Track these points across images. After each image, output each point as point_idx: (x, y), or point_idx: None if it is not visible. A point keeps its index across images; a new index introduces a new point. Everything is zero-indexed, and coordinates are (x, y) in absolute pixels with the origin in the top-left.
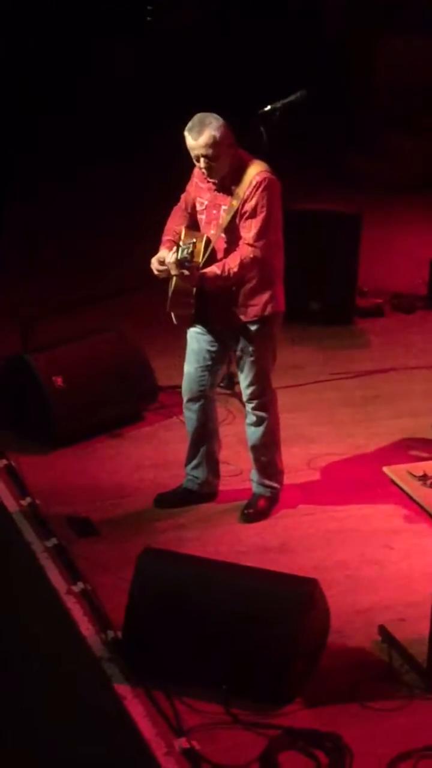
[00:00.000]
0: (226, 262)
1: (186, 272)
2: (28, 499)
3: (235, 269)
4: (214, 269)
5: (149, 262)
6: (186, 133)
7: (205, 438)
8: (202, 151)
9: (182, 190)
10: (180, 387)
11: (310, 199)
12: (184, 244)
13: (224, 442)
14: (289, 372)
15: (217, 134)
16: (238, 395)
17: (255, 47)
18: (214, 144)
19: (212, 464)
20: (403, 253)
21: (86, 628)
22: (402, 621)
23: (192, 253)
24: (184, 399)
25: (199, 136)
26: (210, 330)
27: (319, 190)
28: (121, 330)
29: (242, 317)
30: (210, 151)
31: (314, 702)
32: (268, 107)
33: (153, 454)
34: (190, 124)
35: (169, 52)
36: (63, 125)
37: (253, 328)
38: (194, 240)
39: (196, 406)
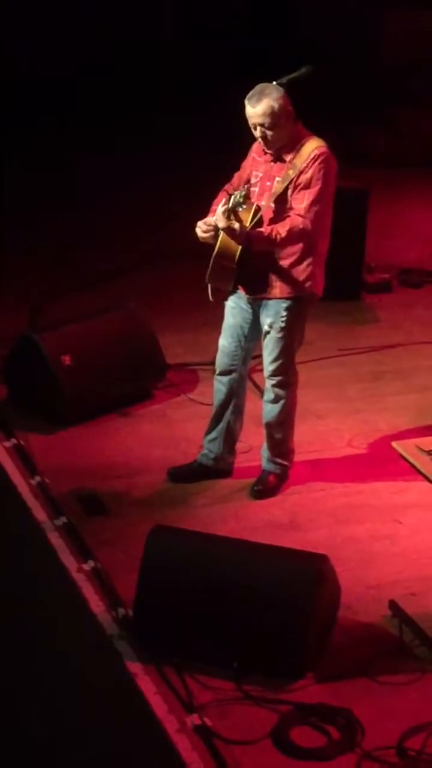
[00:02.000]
0: (275, 226)
1: (234, 224)
2: (38, 478)
3: (283, 234)
4: (261, 230)
5: (159, 240)
6: (246, 102)
7: (228, 413)
8: (259, 120)
9: (193, 171)
10: (190, 364)
11: None
12: (237, 192)
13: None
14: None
15: (276, 104)
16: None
17: (264, 23)
18: (272, 113)
19: (230, 441)
20: (410, 228)
21: (97, 605)
22: (412, 596)
23: (245, 197)
24: (216, 371)
25: (258, 104)
26: (245, 304)
27: None
28: (129, 308)
29: (277, 292)
30: (267, 120)
31: (325, 677)
32: (274, 83)
33: (162, 432)
34: (250, 93)
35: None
36: (70, 104)
37: (285, 305)
38: (246, 186)
39: (226, 379)
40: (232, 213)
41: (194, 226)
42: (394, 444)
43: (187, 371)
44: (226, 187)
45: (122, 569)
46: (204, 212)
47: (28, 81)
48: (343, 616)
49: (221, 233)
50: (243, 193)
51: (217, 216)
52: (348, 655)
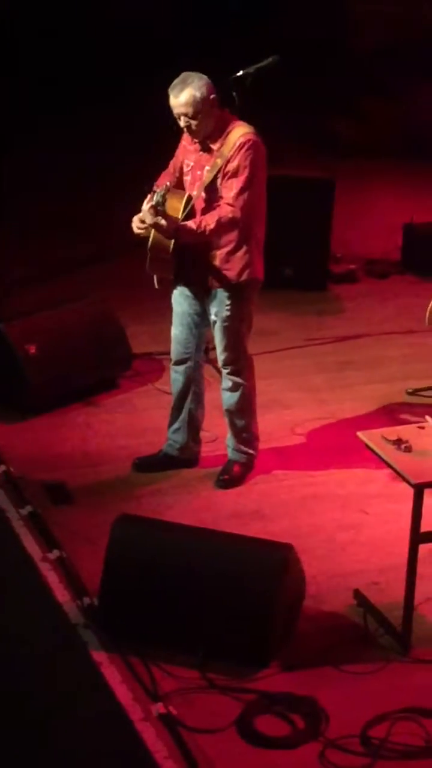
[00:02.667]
0: (203, 218)
1: (161, 221)
2: (3, 467)
3: (212, 226)
4: (190, 223)
5: (123, 229)
6: (169, 92)
7: (188, 401)
8: (183, 110)
9: (163, 155)
10: (155, 354)
11: (283, 165)
12: (159, 189)
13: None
14: (263, 338)
15: (198, 93)
16: (213, 362)
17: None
18: (195, 103)
19: (193, 430)
20: (376, 218)
21: (62, 594)
22: (377, 585)
23: (164, 197)
24: (171, 361)
25: (180, 94)
26: (189, 293)
27: (294, 155)
28: (95, 298)
29: (218, 281)
30: (190, 110)
31: (290, 666)
32: (241, 72)
33: (127, 422)
34: (173, 83)
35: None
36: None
37: (228, 293)
38: (168, 185)
39: (182, 368)
40: (157, 209)
41: None
42: (359, 434)
43: (152, 360)
44: (162, 174)
45: (87, 558)
46: None
47: None
48: (308, 605)
49: None
50: (163, 192)
51: (144, 213)
52: (313, 644)
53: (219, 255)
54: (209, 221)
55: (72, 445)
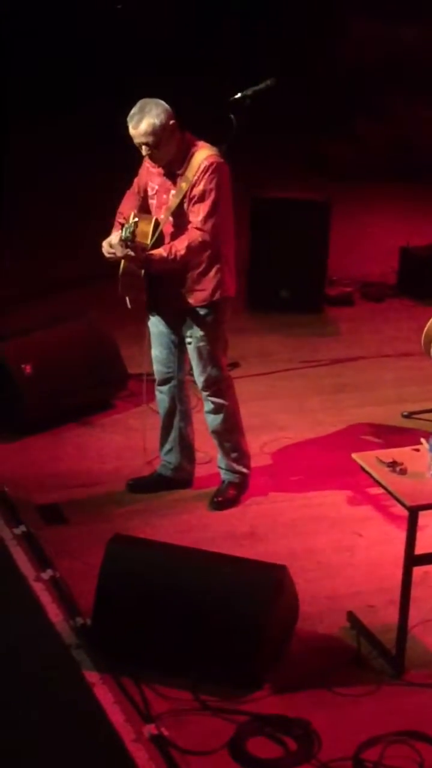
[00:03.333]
0: (173, 244)
1: (131, 253)
2: None
3: (182, 252)
4: (160, 251)
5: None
6: (128, 122)
7: (176, 421)
8: (143, 139)
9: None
10: (149, 375)
11: (279, 187)
12: (127, 223)
13: (194, 429)
14: (259, 359)
15: (157, 121)
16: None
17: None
18: (154, 131)
19: (185, 449)
20: (372, 241)
21: (55, 614)
22: (371, 608)
23: (133, 233)
24: (156, 382)
25: (139, 124)
26: (163, 314)
27: (289, 177)
28: (91, 317)
29: (191, 302)
30: (151, 139)
31: (283, 688)
32: (238, 95)
33: (122, 442)
34: (131, 112)
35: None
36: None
37: (201, 313)
38: (136, 219)
39: (165, 388)
40: (126, 243)
41: None
42: (354, 456)
43: (148, 381)
44: (127, 193)
45: (81, 578)
46: None
47: None
48: (301, 627)
49: None
50: (131, 228)
51: (114, 246)
52: (306, 666)
53: (191, 277)
54: (179, 247)
55: (66, 465)
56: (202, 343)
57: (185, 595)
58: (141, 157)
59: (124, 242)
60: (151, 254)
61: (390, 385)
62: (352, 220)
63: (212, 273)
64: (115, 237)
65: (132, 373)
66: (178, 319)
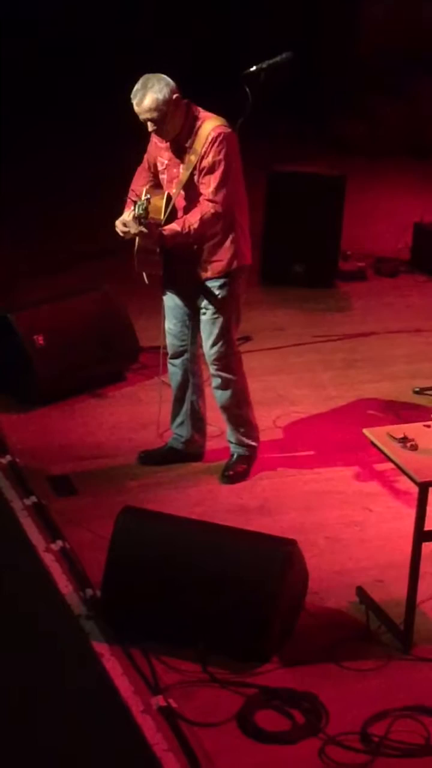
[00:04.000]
0: (186, 218)
1: (145, 230)
2: (8, 457)
3: (196, 225)
4: (174, 226)
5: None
6: (131, 98)
7: (188, 394)
8: (148, 115)
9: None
10: (161, 348)
11: (294, 162)
12: (139, 201)
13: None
14: (271, 334)
15: (161, 96)
16: None
17: (242, 10)
18: (158, 106)
19: (197, 422)
20: (386, 217)
21: (65, 586)
22: (380, 582)
23: (146, 209)
24: (168, 355)
25: (143, 101)
26: (180, 287)
27: (304, 153)
28: (104, 290)
29: (207, 274)
30: (156, 114)
31: (291, 662)
32: (253, 68)
33: (133, 415)
34: (134, 89)
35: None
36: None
37: (217, 284)
38: (148, 196)
39: (178, 361)
40: (140, 220)
41: None
42: (365, 431)
43: (160, 354)
44: (138, 170)
45: (91, 550)
46: None
47: None
48: (310, 601)
49: None
50: (144, 205)
51: (128, 223)
52: (314, 640)
53: (206, 248)
54: (192, 221)
55: (77, 437)
56: (216, 315)
57: (195, 567)
58: (147, 131)
59: (138, 219)
60: (165, 230)
61: (402, 361)
62: (366, 195)
63: (228, 243)
64: (128, 215)
65: (143, 346)
66: (194, 292)
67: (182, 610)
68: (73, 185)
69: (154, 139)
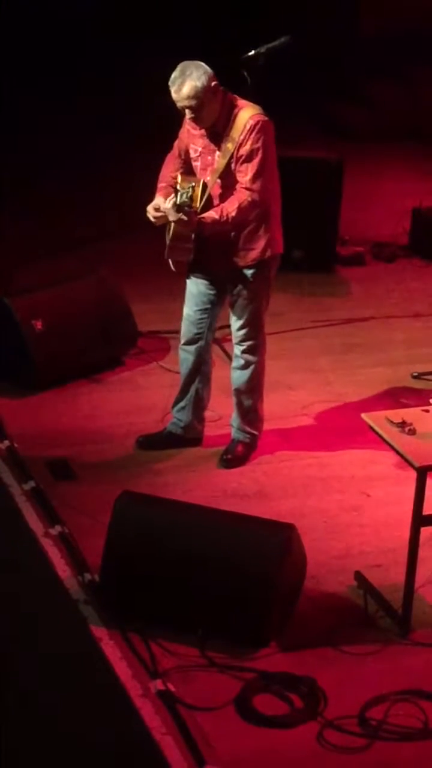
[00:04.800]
0: (223, 206)
1: (185, 217)
2: (7, 442)
3: (233, 213)
4: (212, 214)
5: (131, 208)
6: (170, 86)
7: (196, 381)
8: (186, 103)
9: (168, 137)
10: (161, 332)
11: (292, 146)
12: (182, 188)
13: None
14: (270, 319)
15: (199, 83)
16: (219, 341)
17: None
18: (197, 93)
19: (198, 409)
20: (385, 202)
21: (63, 570)
22: (378, 567)
23: (191, 198)
24: (182, 341)
25: (182, 88)
26: (208, 274)
27: (303, 137)
28: (101, 275)
29: (241, 261)
30: (194, 102)
31: (290, 646)
32: (252, 52)
33: (131, 399)
34: (172, 76)
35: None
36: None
37: (251, 271)
38: (193, 184)
39: (192, 348)
40: (182, 208)
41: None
42: (363, 416)
43: (158, 339)
44: (168, 157)
45: (89, 534)
46: None
47: None
48: (308, 585)
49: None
50: (189, 193)
51: (167, 210)
52: (312, 625)
53: (241, 236)
54: (230, 209)
55: (76, 422)
56: (248, 300)
57: (193, 552)
58: (173, 124)
59: (180, 207)
60: (203, 218)
61: (400, 346)
62: (364, 180)
63: (262, 231)
64: (161, 201)
65: (142, 331)
66: (227, 279)
67: (181, 595)
68: (72, 168)
69: (187, 126)
